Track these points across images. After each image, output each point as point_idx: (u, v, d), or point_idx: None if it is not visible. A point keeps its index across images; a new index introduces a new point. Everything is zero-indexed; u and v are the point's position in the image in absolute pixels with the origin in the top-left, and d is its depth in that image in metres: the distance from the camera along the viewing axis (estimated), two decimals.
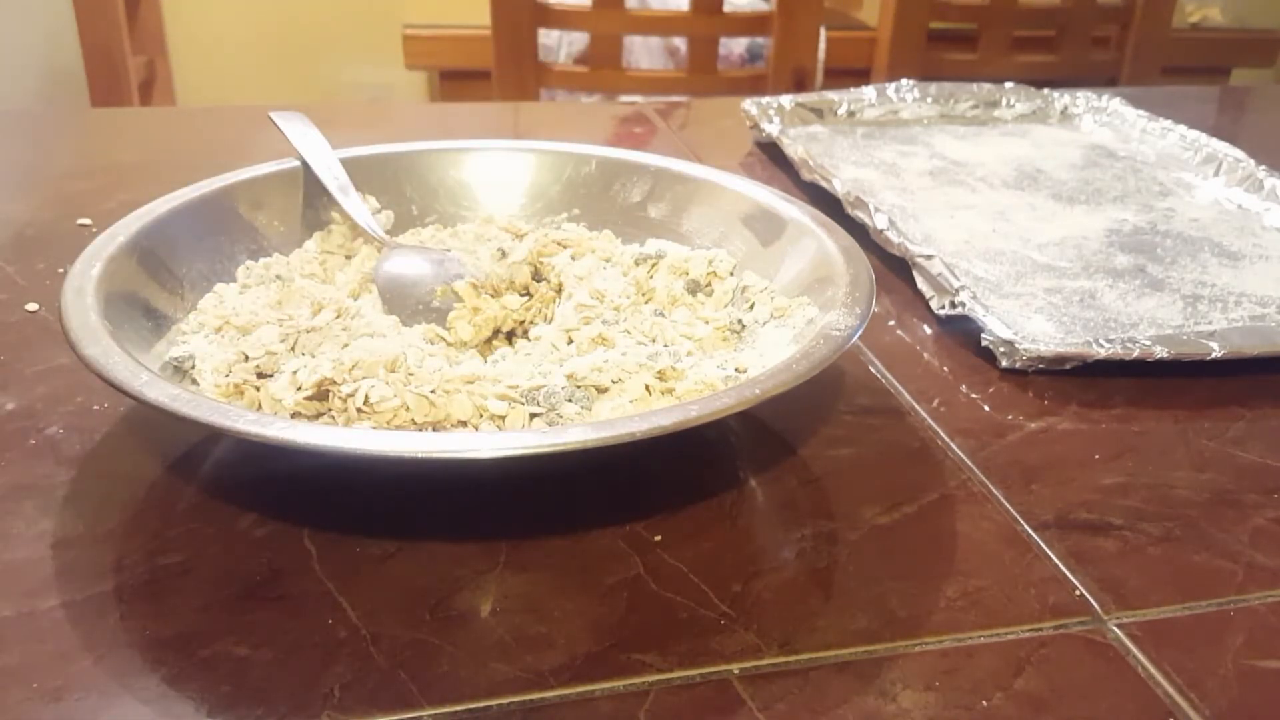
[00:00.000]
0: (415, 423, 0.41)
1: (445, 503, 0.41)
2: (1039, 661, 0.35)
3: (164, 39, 2.20)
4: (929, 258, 0.58)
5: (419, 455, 0.36)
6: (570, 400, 0.43)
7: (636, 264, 0.54)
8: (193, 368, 0.44)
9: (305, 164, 0.56)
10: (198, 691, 0.33)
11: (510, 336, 0.51)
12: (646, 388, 0.43)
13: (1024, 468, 0.45)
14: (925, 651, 0.36)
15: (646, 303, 0.51)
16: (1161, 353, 0.51)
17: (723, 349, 0.48)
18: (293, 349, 0.45)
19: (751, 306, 0.50)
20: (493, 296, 0.51)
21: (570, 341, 0.47)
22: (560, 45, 1.55)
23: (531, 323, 0.51)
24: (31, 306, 0.54)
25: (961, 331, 0.55)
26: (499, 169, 0.61)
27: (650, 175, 0.60)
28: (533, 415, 0.42)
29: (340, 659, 0.34)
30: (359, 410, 0.41)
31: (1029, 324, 0.56)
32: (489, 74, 1.37)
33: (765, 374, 0.41)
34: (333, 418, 0.41)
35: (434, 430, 0.42)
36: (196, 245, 0.51)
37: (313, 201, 0.57)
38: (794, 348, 0.44)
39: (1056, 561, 0.40)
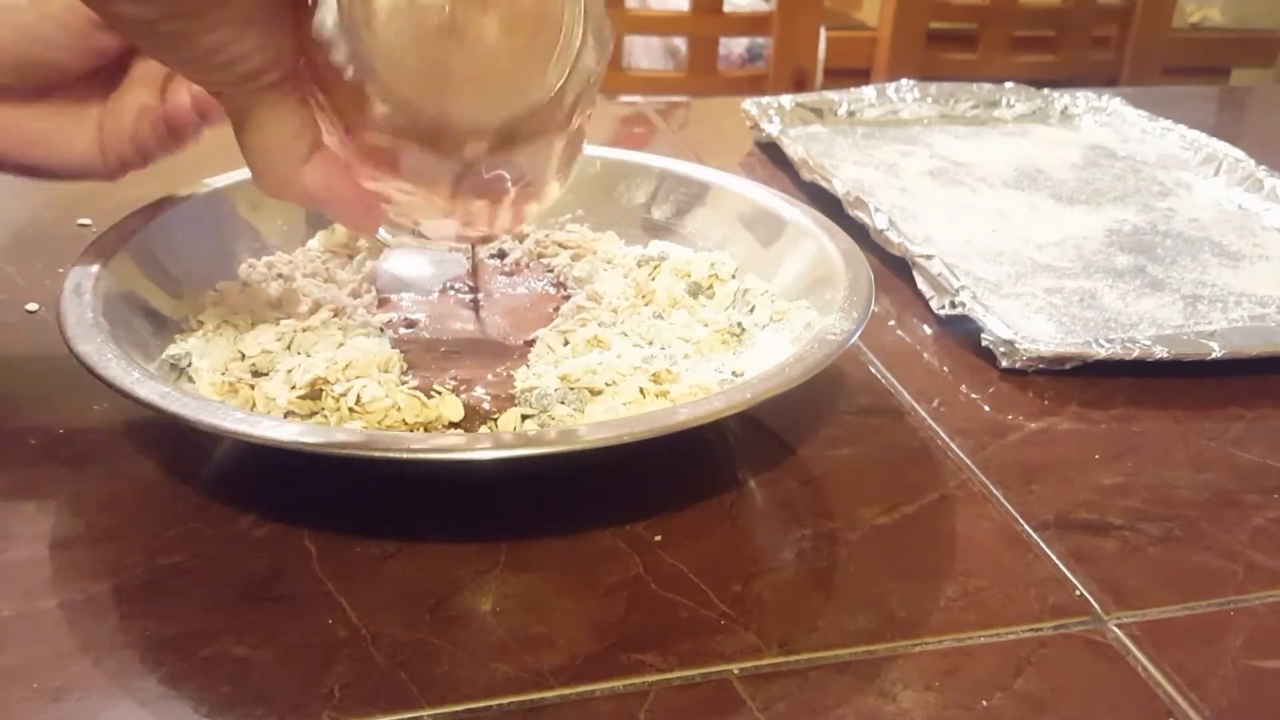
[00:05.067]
0: (406, 423, 0.42)
1: (445, 503, 0.41)
2: (1039, 661, 0.35)
3: None
4: (929, 258, 0.58)
5: (397, 456, 0.37)
6: (563, 402, 0.43)
7: (639, 265, 0.54)
8: (189, 366, 0.44)
9: None
10: (198, 691, 0.33)
11: None
12: (641, 390, 0.43)
13: (1024, 468, 0.45)
14: (925, 651, 0.36)
15: (646, 305, 0.51)
16: (1161, 353, 0.51)
17: (722, 352, 0.48)
18: (289, 348, 0.45)
19: (752, 309, 0.50)
20: None
21: (566, 343, 0.47)
22: None
23: None
24: (31, 306, 0.54)
25: (961, 331, 0.55)
26: None
27: (655, 177, 0.60)
28: (525, 416, 0.43)
29: (340, 659, 0.34)
30: (350, 410, 0.41)
31: (1029, 324, 0.56)
32: None
33: (758, 378, 0.41)
34: (325, 417, 0.42)
35: (425, 430, 0.42)
36: (196, 245, 0.51)
37: None
38: (792, 351, 0.44)
39: (1056, 561, 0.40)
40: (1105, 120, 0.89)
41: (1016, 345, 0.52)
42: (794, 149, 0.75)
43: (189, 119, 0.46)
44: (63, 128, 0.45)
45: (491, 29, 0.36)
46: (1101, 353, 0.51)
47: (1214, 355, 0.52)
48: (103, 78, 0.45)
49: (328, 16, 0.36)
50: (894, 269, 0.61)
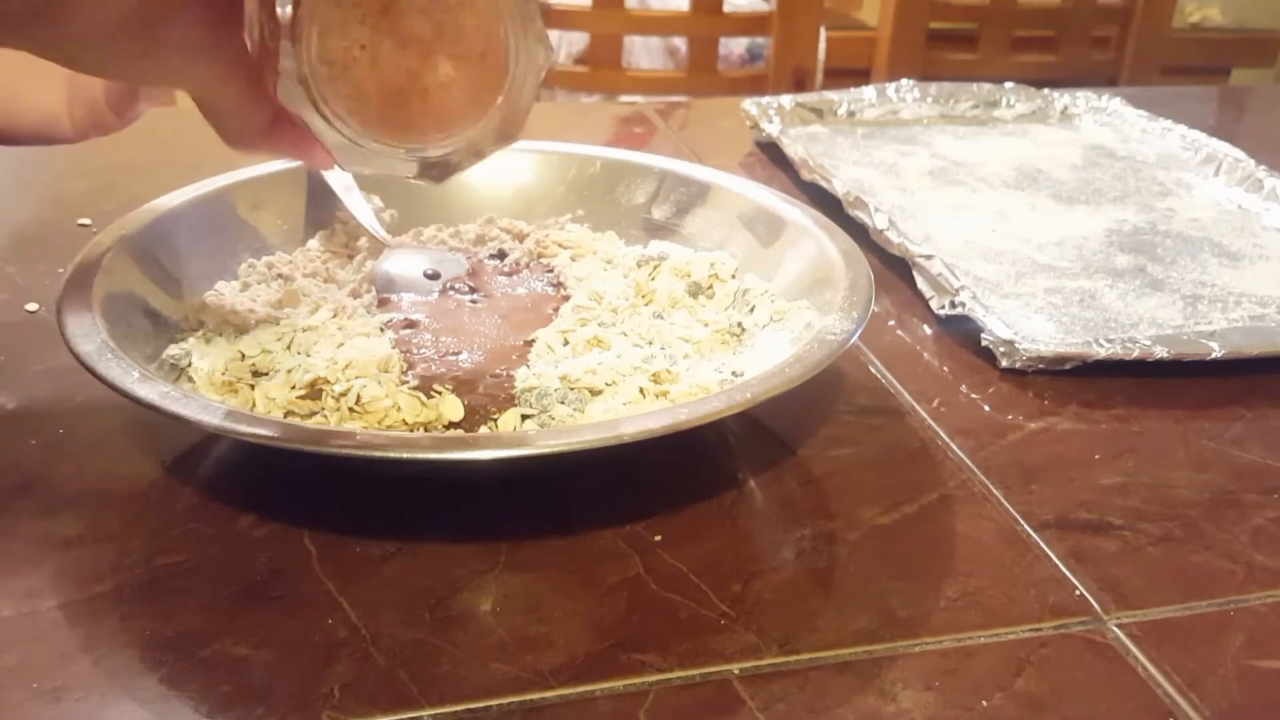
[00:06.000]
0: (406, 423, 0.42)
1: (445, 503, 0.41)
2: (1039, 661, 0.35)
3: None
4: (929, 258, 0.58)
5: (397, 456, 0.37)
6: (563, 402, 0.43)
7: (639, 265, 0.54)
8: (189, 366, 0.44)
9: None
10: (198, 691, 0.33)
11: None
12: (641, 390, 0.43)
13: (1024, 468, 0.45)
14: (925, 651, 0.36)
15: (646, 305, 0.51)
16: (1161, 353, 0.51)
17: (722, 352, 0.48)
18: (289, 348, 0.45)
19: (752, 310, 0.50)
20: None
21: (566, 343, 0.47)
22: (560, 45, 1.55)
23: None
24: (31, 306, 0.54)
25: (961, 331, 0.55)
26: (503, 169, 0.61)
27: (655, 177, 0.60)
28: (525, 416, 0.43)
29: (340, 659, 0.34)
30: (350, 410, 0.41)
31: (1029, 324, 0.56)
32: None
33: (757, 378, 0.41)
34: (325, 417, 0.42)
35: (425, 430, 0.42)
36: (196, 245, 0.51)
37: (317, 200, 0.57)
38: (792, 351, 0.44)
39: (1056, 561, 0.40)
40: (1105, 120, 0.89)
41: (1016, 345, 0.52)
42: (794, 149, 0.75)
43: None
44: (28, 83, 0.44)
45: (444, 70, 0.37)
46: (1101, 353, 0.51)
47: (1214, 355, 0.52)
48: None
49: (290, 87, 0.36)
50: (894, 269, 0.61)
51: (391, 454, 0.36)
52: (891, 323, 0.57)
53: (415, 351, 0.47)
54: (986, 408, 0.50)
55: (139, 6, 0.32)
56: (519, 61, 0.38)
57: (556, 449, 0.37)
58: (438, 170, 0.40)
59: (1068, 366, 0.52)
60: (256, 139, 0.38)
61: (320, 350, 0.45)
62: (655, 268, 0.53)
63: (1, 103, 0.44)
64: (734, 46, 1.58)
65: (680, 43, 1.52)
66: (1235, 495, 0.44)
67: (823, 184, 0.69)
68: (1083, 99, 0.90)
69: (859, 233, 0.59)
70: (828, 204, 0.65)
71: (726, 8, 1.35)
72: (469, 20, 0.36)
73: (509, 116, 0.39)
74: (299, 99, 0.36)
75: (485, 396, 0.44)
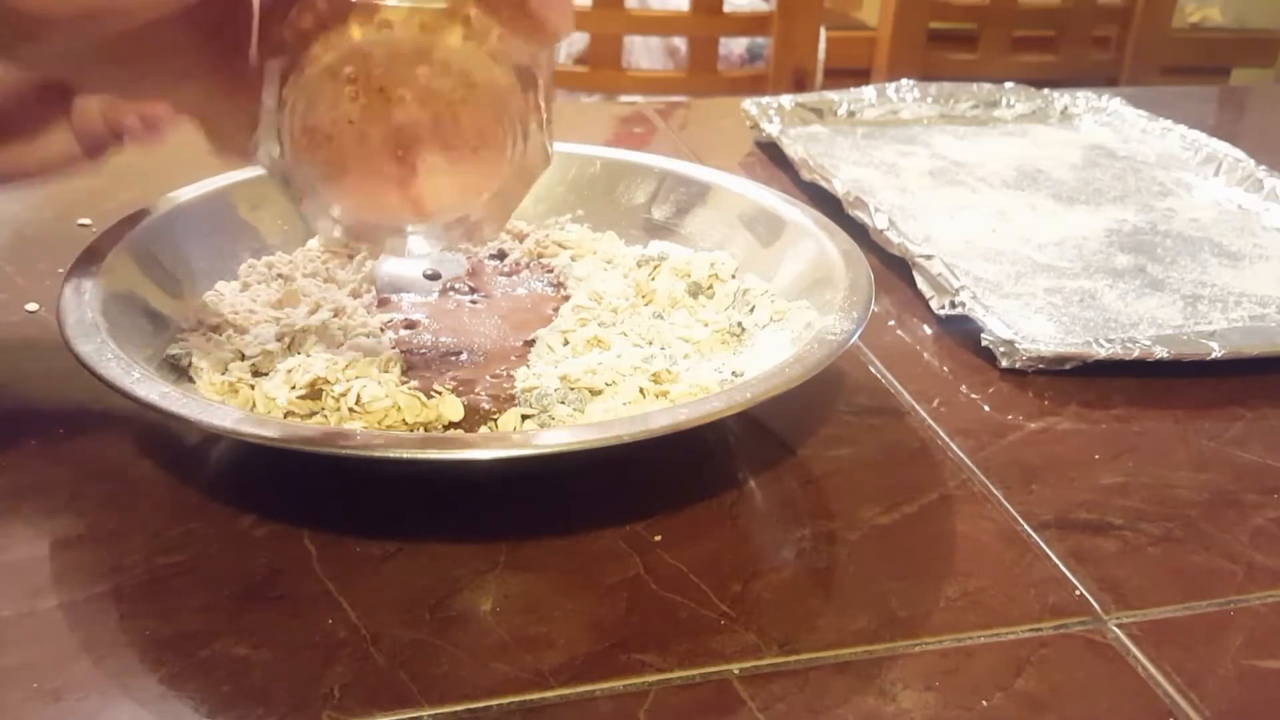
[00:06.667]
0: (406, 423, 0.42)
1: (445, 503, 0.41)
2: (1039, 661, 0.35)
3: None
4: (929, 258, 0.58)
5: (397, 456, 0.37)
6: (563, 402, 0.43)
7: (639, 265, 0.54)
8: (189, 365, 0.44)
9: None
10: (198, 691, 0.33)
11: None
12: (641, 390, 0.43)
13: (1024, 468, 0.45)
14: (925, 651, 0.36)
15: (646, 305, 0.51)
16: (1161, 353, 0.51)
17: (722, 352, 0.48)
18: (289, 348, 0.45)
19: (752, 309, 0.50)
20: None
21: (566, 343, 0.47)
22: (560, 45, 1.55)
23: None
24: (31, 306, 0.53)
25: (961, 331, 0.55)
26: None
27: (655, 177, 0.60)
28: (525, 416, 0.43)
29: (340, 659, 0.34)
30: (350, 410, 0.41)
31: (1029, 324, 0.56)
32: None
33: (757, 378, 0.41)
34: (325, 417, 0.42)
35: (425, 430, 0.42)
36: (196, 245, 0.51)
37: None
38: (792, 351, 0.44)
39: (1056, 561, 0.40)
40: (1105, 120, 0.89)
41: (1016, 345, 0.52)
42: (794, 149, 0.75)
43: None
44: (36, 131, 0.45)
45: (432, 160, 0.36)
46: (1101, 353, 0.51)
47: (1214, 355, 0.52)
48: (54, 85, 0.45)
49: (264, 148, 0.36)
50: (894, 269, 0.61)
51: (391, 454, 0.36)
52: (891, 323, 0.57)
53: (415, 351, 0.47)
54: (986, 408, 0.50)
55: (126, 35, 0.32)
56: (514, 164, 0.36)
57: (556, 449, 0.37)
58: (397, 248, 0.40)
59: (1068, 366, 0.52)
60: (241, 154, 0.39)
61: (320, 350, 0.45)
62: (655, 268, 0.53)
63: (19, 158, 0.45)
64: (734, 46, 1.58)
65: (680, 43, 1.52)
66: (1235, 495, 0.44)
67: (823, 184, 0.69)
68: (1083, 99, 0.90)
69: (859, 233, 0.59)
70: (828, 204, 0.65)
71: (726, 8, 1.35)
72: (467, 116, 0.35)
73: (492, 216, 0.38)
74: (271, 162, 0.35)
75: (485, 396, 0.44)
